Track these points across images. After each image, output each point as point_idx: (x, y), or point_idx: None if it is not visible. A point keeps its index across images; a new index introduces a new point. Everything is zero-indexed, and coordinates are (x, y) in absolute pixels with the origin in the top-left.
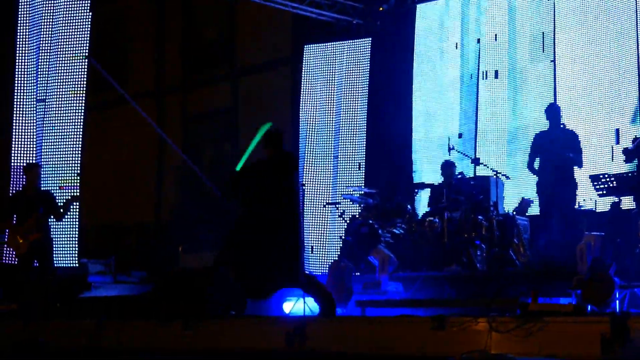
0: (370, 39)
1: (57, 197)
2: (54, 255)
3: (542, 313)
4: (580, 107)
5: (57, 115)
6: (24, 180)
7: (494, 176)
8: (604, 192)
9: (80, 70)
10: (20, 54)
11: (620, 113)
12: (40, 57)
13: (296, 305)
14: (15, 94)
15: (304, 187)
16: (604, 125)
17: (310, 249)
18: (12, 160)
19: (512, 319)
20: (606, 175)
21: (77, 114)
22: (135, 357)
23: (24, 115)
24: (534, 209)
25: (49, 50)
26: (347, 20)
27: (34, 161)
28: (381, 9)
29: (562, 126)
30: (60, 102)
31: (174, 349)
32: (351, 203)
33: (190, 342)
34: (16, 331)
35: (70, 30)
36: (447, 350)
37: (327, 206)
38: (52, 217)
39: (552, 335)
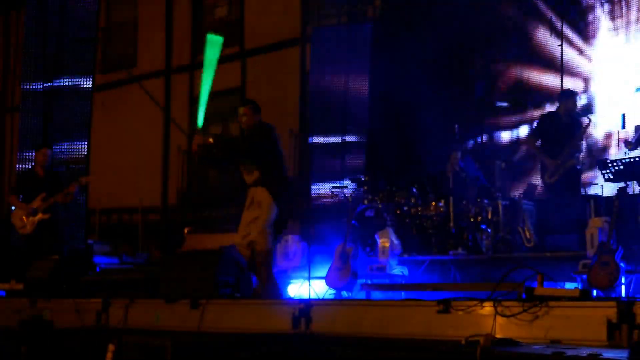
0: (377, 21)
1: (64, 179)
2: (61, 235)
3: (547, 298)
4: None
5: (65, 96)
6: (33, 161)
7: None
8: (611, 177)
9: (88, 51)
10: (29, 36)
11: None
12: (48, 39)
13: (301, 288)
14: (23, 74)
15: (311, 170)
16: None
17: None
18: (20, 142)
19: (518, 303)
20: (613, 160)
21: (85, 95)
22: (141, 336)
23: (31, 96)
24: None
25: (57, 32)
26: (354, 2)
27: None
28: None
29: (576, 112)
30: (68, 84)
31: (181, 329)
32: (357, 186)
33: (196, 322)
34: (23, 310)
35: (79, 11)
36: (452, 334)
37: (333, 189)
38: (58, 200)
39: (557, 319)
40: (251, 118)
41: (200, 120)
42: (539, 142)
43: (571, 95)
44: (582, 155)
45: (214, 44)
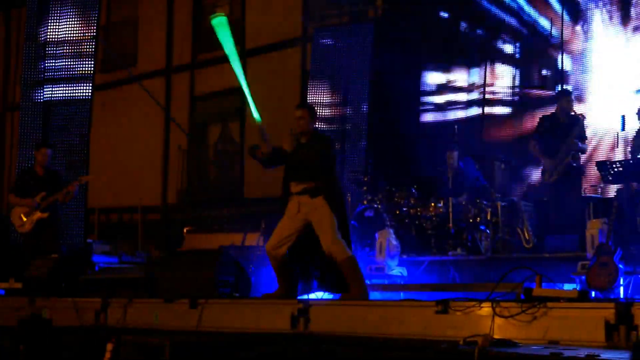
0: (379, 22)
1: (64, 178)
2: (61, 234)
3: (546, 298)
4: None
5: (65, 95)
6: (33, 160)
7: (500, 161)
8: (610, 178)
9: (88, 50)
10: (30, 34)
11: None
12: (49, 37)
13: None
14: (23, 74)
15: None
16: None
17: None
18: (20, 141)
19: (516, 304)
20: (612, 162)
21: (85, 95)
22: (140, 335)
23: (31, 95)
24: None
25: (57, 30)
26: (355, 2)
27: (41, 142)
28: None
29: (572, 113)
30: (68, 83)
31: (179, 328)
32: (356, 187)
33: (195, 321)
34: (22, 308)
35: (79, 10)
36: (450, 334)
37: None
38: (58, 199)
39: (555, 320)
40: (307, 123)
41: (256, 114)
42: (538, 143)
43: (566, 94)
44: (582, 154)
45: (221, 26)
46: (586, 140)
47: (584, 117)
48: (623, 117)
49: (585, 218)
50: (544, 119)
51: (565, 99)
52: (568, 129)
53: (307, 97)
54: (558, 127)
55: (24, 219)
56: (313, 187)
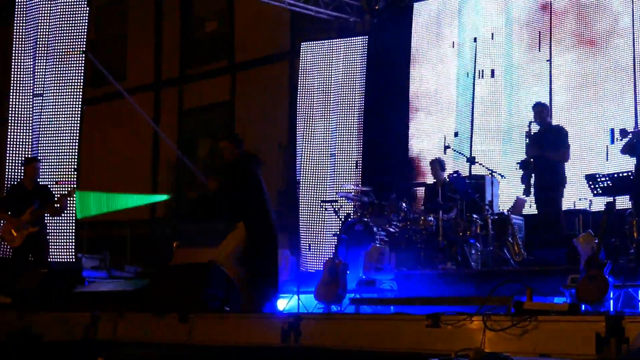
0: (367, 36)
1: (54, 192)
2: (50, 249)
3: (536, 312)
4: (576, 106)
5: (54, 110)
6: (22, 174)
7: (490, 175)
8: (599, 191)
9: (77, 64)
10: (17, 48)
11: (615, 113)
12: (37, 52)
13: (290, 302)
14: (12, 88)
15: (299, 185)
16: (599, 124)
17: (305, 247)
18: (8, 155)
19: (507, 318)
20: (601, 175)
21: (74, 109)
22: (130, 350)
23: (20, 109)
24: (529, 208)
25: (46, 45)
26: (344, 17)
27: (30, 156)
28: (377, 7)
29: (547, 123)
30: (57, 97)
31: (170, 342)
32: (346, 201)
33: (185, 335)
34: (11, 323)
35: (68, 25)
36: (441, 348)
37: (322, 204)
38: (47, 212)
39: (546, 334)
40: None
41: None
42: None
43: (538, 105)
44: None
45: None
46: (565, 149)
47: (558, 128)
48: (612, 130)
49: (575, 231)
50: (528, 131)
51: (537, 108)
52: (544, 140)
53: (296, 111)
54: (535, 140)
55: (15, 234)
56: None
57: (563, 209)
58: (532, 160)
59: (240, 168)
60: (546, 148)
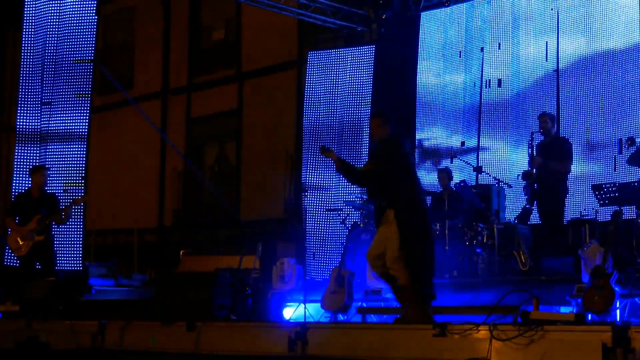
0: (374, 46)
1: (61, 201)
2: (57, 257)
3: (543, 321)
4: (583, 116)
5: (62, 118)
6: (30, 182)
7: (496, 184)
8: (606, 201)
9: (85, 73)
10: (26, 57)
11: (623, 123)
12: (45, 60)
13: (296, 311)
14: (20, 96)
15: (306, 193)
16: (607, 135)
17: (311, 255)
18: (16, 163)
19: (513, 327)
20: (608, 185)
21: (82, 117)
22: (137, 358)
23: (28, 117)
24: (536, 218)
25: (54, 53)
26: (351, 27)
27: (38, 164)
28: (384, 17)
29: (552, 133)
30: (65, 106)
31: (177, 351)
32: (353, 209)
33: (192, 344)
34: (19, 331)
35: (76, 34)
36: (448, 358)
37: (329, 212)
38: (53, 221)
39: (553, 343)
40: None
41: None
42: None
43: (542, 115)
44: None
45: None
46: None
47: (561, 140)
48: (619, 140)
49: (582, 241)
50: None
51: (541, 119)
52: (547, 151)
53: (302, 120)
54: (542, 148)
55: (21, 243)
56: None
57: (569, 219)
58: (534, 170)
59: (390, 148)
60: (550, 159)
